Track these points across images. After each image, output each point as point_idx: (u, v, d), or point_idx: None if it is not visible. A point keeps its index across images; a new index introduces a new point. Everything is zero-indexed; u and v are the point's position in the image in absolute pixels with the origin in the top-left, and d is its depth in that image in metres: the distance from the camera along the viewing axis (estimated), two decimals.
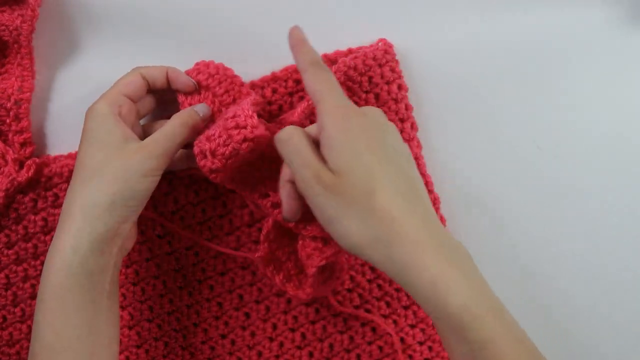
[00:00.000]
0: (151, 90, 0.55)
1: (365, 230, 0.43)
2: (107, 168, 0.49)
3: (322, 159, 0.45)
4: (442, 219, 0.59)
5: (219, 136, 0.50)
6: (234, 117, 0.50)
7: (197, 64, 0.55)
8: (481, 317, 0.42)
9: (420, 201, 0.45)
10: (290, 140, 0.45)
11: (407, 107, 0.57)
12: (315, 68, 0.46)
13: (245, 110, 0.50)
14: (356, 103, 0.57)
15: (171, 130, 0.51)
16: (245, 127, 0.49)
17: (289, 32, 0.48)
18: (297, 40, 0.48)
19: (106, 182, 0.48)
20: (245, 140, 0.49)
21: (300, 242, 0.52)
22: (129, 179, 0.49)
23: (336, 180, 0.43)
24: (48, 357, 0.47)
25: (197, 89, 0.55)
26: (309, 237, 0.51)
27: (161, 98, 0.57)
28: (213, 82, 0.54)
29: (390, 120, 0.57)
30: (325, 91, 0.45)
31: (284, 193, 0.49)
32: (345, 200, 0.43)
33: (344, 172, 0.43)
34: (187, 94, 0.55)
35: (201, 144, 0.51)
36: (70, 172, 0.58)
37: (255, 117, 0.49)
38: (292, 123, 0.54)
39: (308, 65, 0.47)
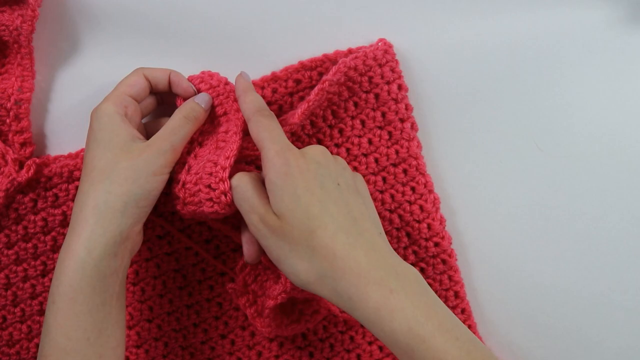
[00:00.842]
0: (153, 91, 0.55)
1: (310, 268, 0.46)
2: (116, 169, 0.49)
3: (269, 203, 0.48)
4: (442, 219, 0.59)
5: (194, 185, 0.51)
6: (210, 174, 0.50)
7: (202, 72, 0.56)
8: (428, 338, 0.44)
9: (364, 233, 0.47)
10: (238, 187, 0.49)
11: (407, 107, 0.57)
12: (258, 116, 0.50)
13: (219, 172, 0.50)
14: (356, 103, 0.57)
15: (175, 124, 0.52)
16: (215, 190, 0.50)
17: (235, 80, 0.53)
18: (242, 88, 0.52)
19: (117, 184, 0.49)
20: (211, 200, 0.50)
21: (265, 277, 0.54)
22: (138, 178, 0.49)
23: (279, 223, 0.46)
24: (68, 345, 0.48)
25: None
26: (272, 274, 0.53)
27: (162, 99, 0.58)
28: (213, 94, 0.54)
29: (391, 120, 0.57)
30: (266, 139, 0.48)
31: (244, 239, 0.52)
32: (289, 242, 0.46)
33: (285, 215, 0.46)
34: (186, 99, 0.55)
35: (180, 175, 0.52)
36: (70, 172, 0.58)
37: (227, 182, 0.50)
38: (292, 124, 0.55)
39: (252, 113, 0.50)
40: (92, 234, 0.48)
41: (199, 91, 0.55)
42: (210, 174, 0.50)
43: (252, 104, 0.51)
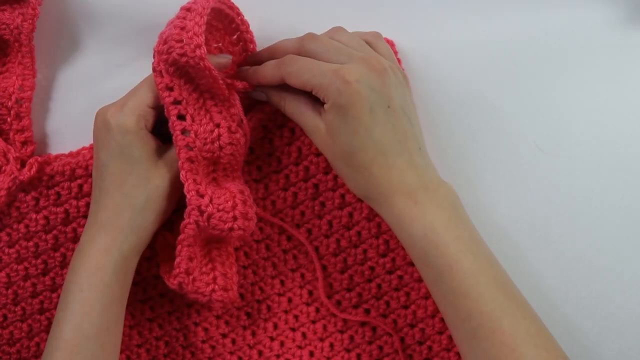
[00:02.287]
0: None
1: (348, 174, 0.51)
2: (149, 186, 0.53)
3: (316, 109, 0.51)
4: None
5: (163, 43, 0.50)
6: (182, 28, 0.49)
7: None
8: (442, 245, 0.48)
9: (404, 154, 0.50)
10: (287, 107, 0.53)
11: None
12: (285, 67, 0.51)
13: (195, 25, 0.50)
14: None
15: None
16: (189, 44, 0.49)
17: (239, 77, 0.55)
18: (251, 71, 0.55)
19: (154, 201, 0.53)
20: (184, 55, 0.49)
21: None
22: (168, 192, 0.54)
23: (328, 139, 0.50)
24: (80, 344, 0.51)
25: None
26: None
27: None
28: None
29: None
30: (315, 68, 0.49)
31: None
32: (333, 153, 0.51)
33: (332, 135, 0.50)
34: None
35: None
36: (72, 170, 0.58)
37: (202, 37, 0.49)
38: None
39: (278, 71, 0.52)
40: (127, 239, 0.52)
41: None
42: (183, 27, 0.50)
43: (271, 68, 0.52)
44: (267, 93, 0.55)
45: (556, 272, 0.59)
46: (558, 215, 0.59)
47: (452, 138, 0.59)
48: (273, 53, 0.54)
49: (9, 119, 0.58)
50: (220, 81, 0.51)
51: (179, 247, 0.53)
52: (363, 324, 0.59)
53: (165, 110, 0.52)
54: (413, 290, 0.58)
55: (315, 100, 0.51)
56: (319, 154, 0.58)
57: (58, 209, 0.58)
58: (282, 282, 0.60)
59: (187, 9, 0.50)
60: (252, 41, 0.57)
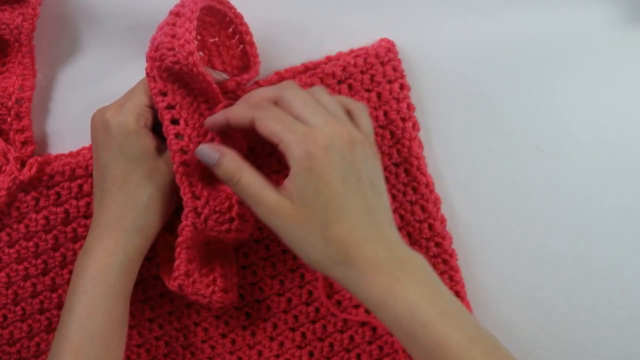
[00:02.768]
0: None
1: (324, 255, 0.47)
2: (150, 185, 0.53)
3: (274, 185, 0.48)
4: (443, 219, 0.59)
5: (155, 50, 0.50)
6: (173, 36, 0.49)
7: None
8: (429, 323, 0.45)
9: (377, 225, 0.48)
10: (240, 182, 0.48)
11: (409, 107, 0.58)
12: (260, 112, 0.48)
13: (186, 32, 0.49)
14: None
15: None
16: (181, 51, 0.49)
17: (206, 122, 0.52)
18: (222, 113, 0.51)
19: (154, 199, 0.53)
20: (177, 63, 0.49)
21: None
22: (170, 192, 0.54)
23: (296, 212, 0.47)
24: (84, 345, 0.51)
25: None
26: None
27: None
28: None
29: (392, 119, 0.57)
30: (281, 131, 0.47)
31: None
32: (304, 230, 0.47)
33: (304, 206, 0.47)
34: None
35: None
36: (72, 170, 0.58)
37: (194, 44, 0.49)
38: None
39: (251, 113, 0.49)
40: (131, 239, 0.52)
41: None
42: (174, 35, 0.49)
43: (243, 108, 0.50)
44: (223, 160, 0.50)
45: (556, 272, 0.60)
46: (558, 215, 0.59)
47: (452, 138, 0.59)
48: (249, 98, 0.52)
49: (9, 119, 0.58)
50: (215, 85, 0.52)
51: (177, 249, 0.53)
52: (363, 324, 0.59)
53: (159, 114, 0.52)
54: None
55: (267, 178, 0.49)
56: None
57: (58, 209, 0.58)
58: (281, 282, 0.60)
59: (175, 14, 0.50)
60: (247, 33, 0.57)
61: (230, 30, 0.57)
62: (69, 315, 0.52)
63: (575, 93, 0.59)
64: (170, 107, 0.52)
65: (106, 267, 0.52)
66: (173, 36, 0.49)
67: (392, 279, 0.46)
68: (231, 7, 0.55)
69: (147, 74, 0.51)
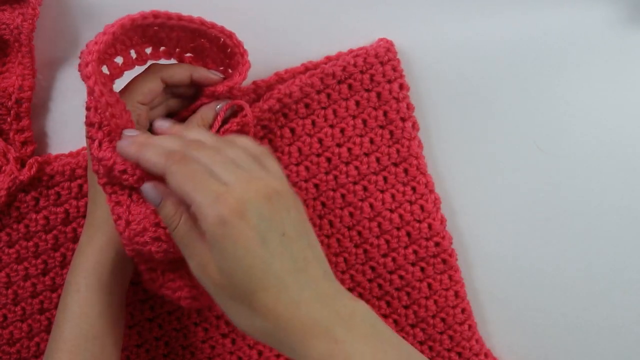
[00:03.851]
0: (171, 92, 0.54)
1: (252, 324, 0.44)
2: None
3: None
4: (443, 219, 0.59)
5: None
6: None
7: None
8: None
9: (310, 284, 0.44)
10: (177, 229, 0.45)
11: (409, 107, 0.58)
12: (172, 165, 0.44)
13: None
14: (358, 102, 0.57)
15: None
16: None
17: (119, 147, 0.48)
18: (136, 147, 0.47)
19: None
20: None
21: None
22: None
23: (221, 278, 0.43)
24: (79, 344, 0.50)
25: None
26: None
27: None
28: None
29: (392, 119, 0.57)
30: (192, 190, 0.43)
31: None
32: (230, 297, 0.44)
33: (225, 273, 0.43)
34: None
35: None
36: (72, 170, 0.58)
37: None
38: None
39: (162, 165, 0.45)
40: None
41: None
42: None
43: (154, 155, 0.46)
44: (165, 203, 0.46)
45: (556, 272, 0.60)
46: (558, 215, 0.59)
47: (452, 138, 0.59)
48: (160, 143, 0.47)
49: (9, 119, 0.58)
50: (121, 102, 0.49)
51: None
52: None
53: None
54: (414, 289, 0.58)
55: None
56: (319, 154, 0.58)
57: (58, 209, 0.58)
58: None
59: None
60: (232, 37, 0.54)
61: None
62: (63, 314, 0.52)
63: (575, 93, 0.59)
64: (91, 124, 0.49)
65: (98, 265, 0.51)
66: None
67: (332, 342, 0.42)
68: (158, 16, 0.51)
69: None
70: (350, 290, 0.59)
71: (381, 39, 0.58)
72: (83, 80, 0.47)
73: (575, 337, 0.60)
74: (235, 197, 0.42)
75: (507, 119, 0.59)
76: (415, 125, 0.58)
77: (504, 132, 0.59)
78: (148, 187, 0.46)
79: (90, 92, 0.47)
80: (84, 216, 0.59)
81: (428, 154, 0.59)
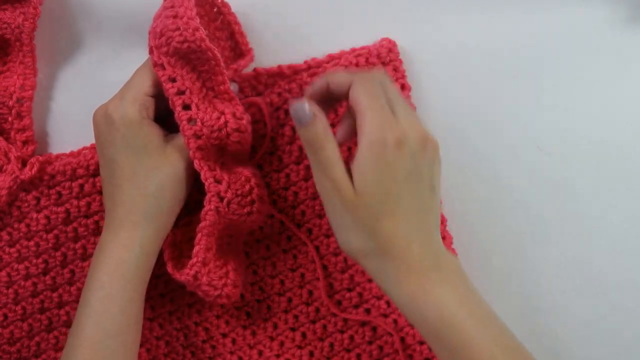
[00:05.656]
0: None
1: (365, 244, 0.48)
2: (159, 174, 0.52)
3: (346, 167, 0.48)
4: (443, 219, 0.59)
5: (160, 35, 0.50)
6: (174, 17, 0.49)
7: None
8: (457, 323, 0.46)
9: (424, 227, 0.49)
10: (324, 145, 0.47)
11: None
12: (360, 79, 0.48)
13: (187, 10, 0.49)
14: None
15: None
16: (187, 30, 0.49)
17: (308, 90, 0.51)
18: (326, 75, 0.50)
19: (165, 190, 0.52)
20: (185, 41, 0.49)
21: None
22: (179, 182, 0.53)
23: (354, 198, 0.47)
24: (100, 341, 0.51)
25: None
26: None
27: None
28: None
29: None
30: (368, 107, 0.47)
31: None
32: (356, 217, 0.47)
33: (362, 192, 0.47)
34: None
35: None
36: (73, 170, 0.58)
37: (197, 19, 0.49)
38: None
39: (354, 75, 0.49)
40: (145, 233, 0.52)
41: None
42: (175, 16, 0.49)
43: (343, 74, 0.50)
44: (316, 121, 0.48)
45: (556, 272, 0.60)
46: (558, 215, 0.59)
47: (452, 138, 0.59)
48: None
49: (10, 118, 0.58)
50: (222, 63, 0.51)
51: (198, 235, 0.52)
52: (363, 323, 0.59)
53: (170, 102, 0.52)
54: None
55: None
56: None
57: (59, 209, 0.58)
58: (282, 282, 0.60)
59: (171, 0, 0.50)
60: (236, 22, 0.57)
61: (219, 22, 0.56)
62: (85, 310, 0.52)
63: (576, 93, 0.59)
64: (180, 92, 0.51)
65: (122, 262, 0.52)
66: (175, 17, 0.49)
67: (424, 279, 0.47)
68: None
69: (155, 64, 0.51)
70: (350, 290, 0.59)
71: (384, 39, 0.58)
72: (197, 45, 0.49)
73: (575, 337, 0.60)
74: (401, 129, 0.47)
75: (508, 119, 0.59)
76: None
77: (504, 132, 0.59)
78: (299, 105, 0.48)
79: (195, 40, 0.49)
80: (85, 216, 0.59)
81: None
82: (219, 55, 0.51)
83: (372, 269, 0.48)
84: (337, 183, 0.47)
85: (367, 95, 0.47)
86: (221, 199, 0.51)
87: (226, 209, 0.52)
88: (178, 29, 0.49)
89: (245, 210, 0.52)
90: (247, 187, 0.53)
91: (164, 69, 0.51)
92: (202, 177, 0.52)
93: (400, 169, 0.47)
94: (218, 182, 0.52)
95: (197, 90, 0.52)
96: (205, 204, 0.52)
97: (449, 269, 0.49)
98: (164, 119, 0.54)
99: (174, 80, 0.51)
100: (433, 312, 0.47)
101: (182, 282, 0.53)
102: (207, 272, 0.53)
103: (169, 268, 0.54)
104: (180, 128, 0.52)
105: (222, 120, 0.52)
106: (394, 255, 0.47)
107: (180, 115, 0.51)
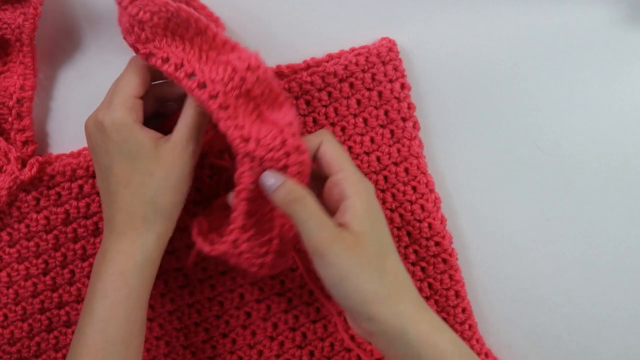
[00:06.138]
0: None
1: (380, 287, 0.47)
2: (154, 179, 0.51)
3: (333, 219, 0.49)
4: (443, 219, 0.59)
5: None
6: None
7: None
8: (470, 354, 0.49)
9: (395, 251, 0.51)
10: (305, 200, 0.48)
11: (410, 106, 0.58)
12: (329, 137, 0.52)
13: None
14: (359, 101, 0.57)
15: (190, 121, 0.52)
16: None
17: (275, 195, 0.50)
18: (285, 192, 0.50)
19: (161, 194, 0.52)
20: (154, 14, 0.47)
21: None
22: (177, 183, 0.52)
23: (357, 241, 0.47)
24: (104, 348, 0.50)
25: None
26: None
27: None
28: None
29: (393, 119, 0.57)
30: (347, 160, 0.51)
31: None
32: (363, 260, 0.47)
33: (365, 234, 0.48)
34: None
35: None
36: (73, 170, 0.58)
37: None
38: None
39: (318, 141, 0.51)
40: (146, 239, 0.52)
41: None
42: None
43: (312, 137, 0.52)
44: (287, 182, 0.49)
45: (556, 272, 0.60)
46: (558, 215, 0.59)
47: (452, 137, 0.59)
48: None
49: (10, 119, 0.58)
50: (204, 18, 0.49)
51: (236, 200, 0.50)
52: None
53: (175, 80, 0.50)
54: None
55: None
56: None
57: (58, 209, 0.58)
58: (282, 282, 0.60)
59: None
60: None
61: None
62: (88, 318, 0.51)
63: (576, 93, 0.59)
64: (179, 65, 0.49)
65: (125, 270, 0.51)
66: (130, 3, 0.47)
67: (434, 316, 0.49)
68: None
69: (144, 55, 0.50)
70: None
71: (384, 38, 0.58)
72: (166, 10, 0.48)
73: (575, 337, 0.60)
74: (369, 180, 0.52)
75: (508, 119, 0.59)
76: (416, 125, 0.58)
77: (504, 132, 0.59)
78: (264, 174, 0.49)
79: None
80: (84, 217, 0.59)
81: (428, 154, 0.59)
82: (192, 10, 0.48)
83: (386, 316, 0.47)
84: (334, 231, 0.47)
85: (339, 151, 0.51)
86: (252, 159, 0.48)
87: (259, 167, 0.48)
88: (147, 4, 0.47)
89: (281, 164, 0.48)
90: (279, 139, 0.48)
91: (154, 55, 0.49)
92: (228, 139, 0.48)
93: (379, 209, 0.51)
94: (245, 140, 0.48)
95: (195, 57, 0.50)
96: (237, 166, 0.49)
97: (414, 290, 0.50)
98: (153, 120, 0.53)
99: (167, 59, 0.49)
100: (450, 345, 0.48)
101: (221, 256, 0.52)
102: (247, 238, 0.51)
103: (198, 242, 0.53)
104: (194, 96, 0.49)
105: (230, 69, 0.49)
106: (407, 293, 0.49)
107: (189, 85, 0.49)
